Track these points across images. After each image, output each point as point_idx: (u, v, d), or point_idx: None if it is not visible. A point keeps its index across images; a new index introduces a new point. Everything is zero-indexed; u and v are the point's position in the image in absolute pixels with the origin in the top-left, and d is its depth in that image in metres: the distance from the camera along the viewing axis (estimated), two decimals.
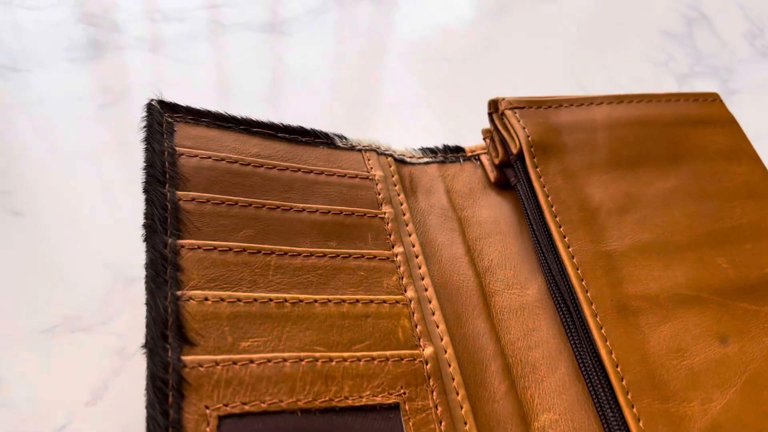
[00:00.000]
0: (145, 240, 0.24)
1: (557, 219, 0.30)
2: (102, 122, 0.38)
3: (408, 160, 0.34)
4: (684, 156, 0.33)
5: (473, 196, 0.33)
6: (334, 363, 0.24)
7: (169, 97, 0.29)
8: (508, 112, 0.32)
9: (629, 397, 0.26)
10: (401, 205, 0.31)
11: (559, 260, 0.29)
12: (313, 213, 0.29)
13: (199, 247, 0.25)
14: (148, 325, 0.22)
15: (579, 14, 0.48)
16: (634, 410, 0.25)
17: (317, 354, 0.24)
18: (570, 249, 0.29)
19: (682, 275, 0.29)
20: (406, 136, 0.35)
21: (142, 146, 0.27)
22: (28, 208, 0.34)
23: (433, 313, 0.28)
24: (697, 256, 0.30)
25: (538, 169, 0.31)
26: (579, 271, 0.28)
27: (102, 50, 0.41)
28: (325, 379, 0.24)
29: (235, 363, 0.23)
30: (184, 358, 0.22)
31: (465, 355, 0.28)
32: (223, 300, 0.24)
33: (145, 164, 0.26)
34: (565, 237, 0.29)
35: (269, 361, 0.23)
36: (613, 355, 0.26)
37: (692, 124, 0.34)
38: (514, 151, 0.32)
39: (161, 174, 0.26)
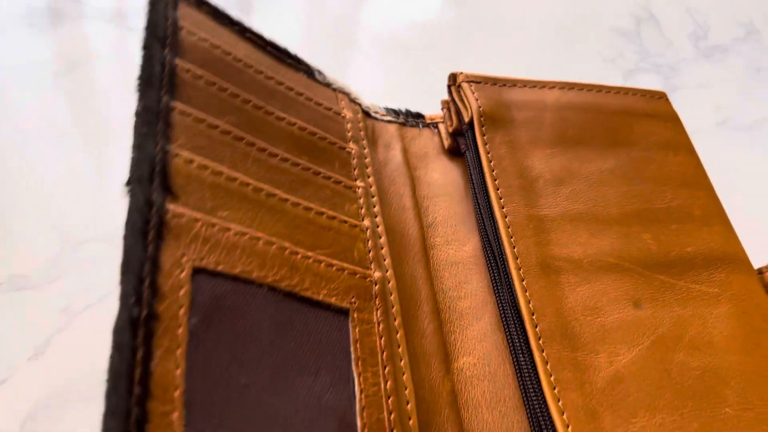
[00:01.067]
0: (139, 90, 0.24)
1: (496, 182, 0.32)
2: (58, 90, 0.40)
3: (372, 114, 0.36)
4: (625, 142, 0.35)
5: (426, 159, 0.36)
6: (299, 257, 0.26)
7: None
8: (465, 85, 0.35)
9: (540, 342, 0.27)
10: (364, 149, 0.33)
11: (493, 219, 0.31)
12: (291, 125, 0.30)
13: (189, 115, 0.25)
14: (134, 165, 0.22)
15: (536, 10, 0.50)
16: (544, 354, 0.27)
17: (286, 244, 0.26)
18: (504, 209, 0.31)
19: (607, 244, 0.31)
20: None
21: (144, 17, 0.26)
22: None
23: (382, 248, 0.30)
24: (624, 229, 0.32)
25: (485, 137, 0.33)
26: (509, 230, 0.30)
27: (60, 19, 0.43)
28: (290, 267, 0.25)
29: (213, 225, 0.23)
30: (166, 205, 0.22)
31: (403, 291, 0.30)
32: (207, 168, 0.25)
33: (147, 24, 0.26)
34: (501, 199, 0.31)
35: (245, 234, 0.24)
36: (530, 305, 0.28)
37: (636, 116, 0.36)
38: (467, 119, 0.34)
39: (162, 37, 0.26)
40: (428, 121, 0.37)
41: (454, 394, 0.28)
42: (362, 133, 0.34)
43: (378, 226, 0.30)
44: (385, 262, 0.29)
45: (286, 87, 0.31)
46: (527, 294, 0.29)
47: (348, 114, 0.34)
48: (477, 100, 0.34)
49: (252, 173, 0.27)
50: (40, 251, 0.33)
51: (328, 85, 0.34)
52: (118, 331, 0.20)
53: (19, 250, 0.34)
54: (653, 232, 0.32)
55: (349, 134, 0.33)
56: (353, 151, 0.32)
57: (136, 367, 0.19)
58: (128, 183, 0.22)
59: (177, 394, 0.20)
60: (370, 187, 0.32)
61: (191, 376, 0.20)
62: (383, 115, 0.36)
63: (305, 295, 0.25)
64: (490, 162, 0.32)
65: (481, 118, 0.33)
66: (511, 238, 0.30)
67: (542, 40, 0.48)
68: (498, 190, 0.31)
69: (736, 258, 0.33)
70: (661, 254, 0.32)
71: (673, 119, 0.37)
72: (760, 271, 0.34)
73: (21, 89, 0.39)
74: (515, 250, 0.30)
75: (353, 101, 0.35)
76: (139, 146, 0.23)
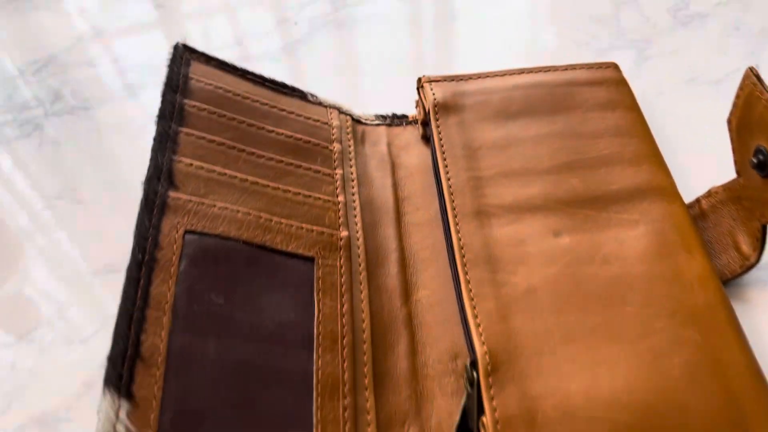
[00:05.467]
0: (156, 123, 0.36)
1: (444, 155, 0.40)
2: None
3: (363, 121, 0.45)
4: (565, 108, 0.41)
5: (407, 149, 0.44)
6: (273, 222, 0.36)
7: None
8: (425, 84, 0.43)
9: (466, 268, 0.35)
10: (349, 147, 0.43)
11: (440, 184, 0.39)
12: (280, 135, 0.40)
13: (192, 135, 0.37)
14: (148, 169, 0.34)
15: (516, 5, 0.57)
16: (467, 276, 0.34)
17: (262, 215, 0.36)
18: (448, 175, 0.39)
19: (537, 191, 0.38)
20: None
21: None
22: None
23: (355, 216, 0.39)
24: (554, 178, 0.38)
25: (438, 122, 0.41)
26: (451, 189, 0.38)
27: None
28: (264, 230, 0.35)
29: (202, 204, 0.34)
30: (169, 192, 0.34)
31: (373, 246, 0.39)
32: (203, 168, 0.36)
33: (165, 80, 0.38)
34: (446, 167, 0.39)
35: (227, 209, 0.35)
36: (461, 242, 0.36)
37: (579, 85, 0.42)
38: (426, 111, 0.42)
39: (175, 87, 0.38)
40: (410, 119, 0.46)
41: (410, 317, 0.36)
42: (349, 135, 0.44)
43: (354, 202, 0.40)
44: (357, 226, 0.39)
45: (279, 109, 0.42)
46: (459, 234, 0.36)
47: (335, 122, 0.43)
48: (434, 94, 0.42)
49: (241, 170, 0.37)
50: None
51: (320, 104, 0.44)
52: (128, 269, 0.31)
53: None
54: (581, 177, 0.38)
55: (334, 137, 0.43)
56: (335, 149, 0.42)
57: (139, 290, 0.30)
58: (143, 182, 0.34)
59: (167, 306, 0.30)
60: (351, 174, 0.41)
61: (179, 296, 0.31)
62: (372, 120, 0.46)
63: (276, 248, 0.35)
64: (441, 140, 0.40)
65: (435, 107, 0.42)
66: (452, 195, 0.38)
67: (520, 36, 0.54)
68: (445, 161, 0.39)
69: (661, 188, 0.37)
70: (586, 193, 0.37)
71: (617, 83, 0.43)
72: (697, 200, 0.39)
73: None
74: (454, 203, 0.37)
75: (343, 113, 0.45)
76: (152, 158, 0.35)
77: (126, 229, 0.33)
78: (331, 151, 0.42)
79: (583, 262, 0.35)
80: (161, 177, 0.35)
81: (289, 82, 0.44)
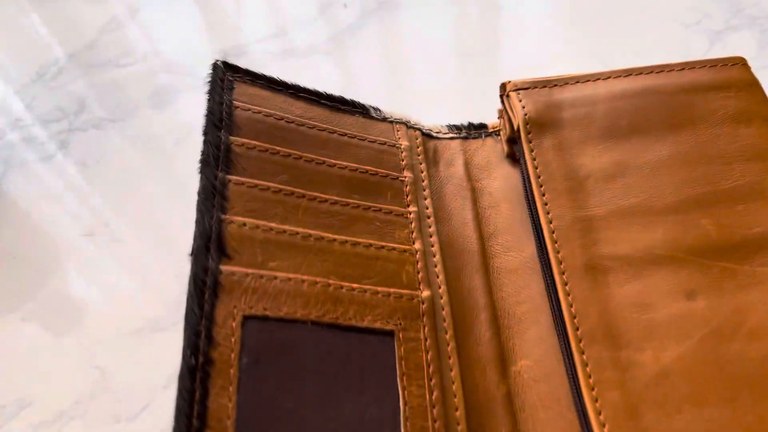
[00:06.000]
0: (200, 172, 0.30)
1: (542, 188, 0.33)
2: None
3: (434, 134, 0.39)
4: (687, 122, 0.34)
5: (489, 169, 0.37)
6: (344, 290, 0.30)
7: None
8: (512, 93, 0.36)
9: (581, 344, 0.29)
10: (422, 172, 0.36)
11: (539, 226, 0.32)
12: (343, 169, 0.34)
13: (243, 183, 0.31)
14: (195, 238, 0.28)
15: None
16: (584, 356, 0.29)
17: (330, 281, 0.30)
18: (549, 215, 0.32)
19: (660, 237, 0.31)
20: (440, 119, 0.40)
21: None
22: None
23: (436, 266, 0.33)
24: (680, 218, 0.31)
25: (531, 144, 0.34)
26: (554, 235, 0.32)
27: None
28: (334, 301, 0.29)
29: (261, 277, 0.28)
30: (221, 267, 0.28)
31: (458, 303, 0.33)
32: (258, 227, 0.30)
33: (206, 112, 0.32)
34: (546, 204, 0.32)
35: (290, 279, 0.29)
36: (572, 308, 0.30)
37: (702, 91, 0.35)
38: (515, 127, 0.35)
39: (218, 121, 0.32)
40: (491, 130, 0.39)
41: (509, 396, 0.30)
42: (420, 157, 0.37)
43: (432, 246, 0.33)
44: (438, 279, 0.32)
45: (340, 133, 0.35)
46: (569, 298, 0.30)
47: (404, 143, 0.37)
48: (524, 107, 0.35)
49: (302, 222, 0.31)
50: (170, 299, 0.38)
51: (384, 119, 0.37)
52: (180, 378, 0.25)
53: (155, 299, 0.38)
54: (714, 217, 0.31)
55: (404, 162, 0.36)
56: (407, 179, 0.35)
57: (194, 405, 0.25)
58: (190, 254, 0.28)
59: (229, 423, 0.25)
60: (426, 209, 0.35)
61: (242, 407, 0.26)
62: (445, 133, 0.39)
63: (349, 324, 0.29)
64: (536, 168, 0.34)
65: (527, 125, 0.35)
66: (556, 243, 0.31)
67: (612, 18, 0.46)
68: (544, 195, 0.33)
69: None
70: (721, 239, 0.31)
71: (749, 86, 0.35)
72: None
73: None
74: (559, 255, 0.31)
75: (412, 127, 0.38)
76: (199, 221, 0.29)
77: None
78: (402, 182, 0.35)
79: (724, 336, 0.28)
80: (210, 247, 0.29)
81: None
